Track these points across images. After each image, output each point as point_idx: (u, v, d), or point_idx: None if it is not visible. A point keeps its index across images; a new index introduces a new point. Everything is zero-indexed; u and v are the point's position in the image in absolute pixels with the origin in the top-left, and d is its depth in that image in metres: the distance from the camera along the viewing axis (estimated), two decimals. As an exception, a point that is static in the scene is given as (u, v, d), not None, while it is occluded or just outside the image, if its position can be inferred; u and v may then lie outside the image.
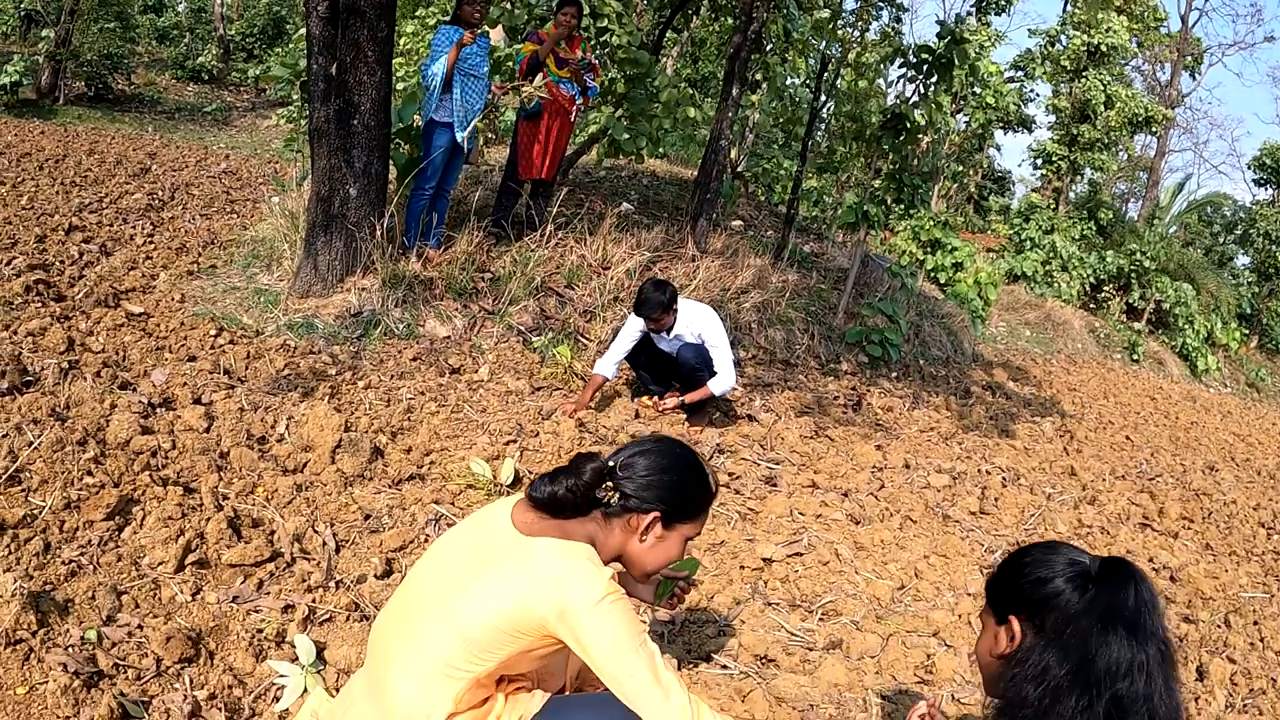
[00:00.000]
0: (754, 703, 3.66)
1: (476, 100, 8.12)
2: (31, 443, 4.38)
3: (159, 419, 5.10)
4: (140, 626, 3.46)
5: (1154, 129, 26.76)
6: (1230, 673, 4.73)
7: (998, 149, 36.96)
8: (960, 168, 28.40)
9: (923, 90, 10.68)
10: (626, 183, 13.76)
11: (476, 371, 7.09)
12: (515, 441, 5.90)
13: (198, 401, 5.48)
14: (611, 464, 2.58)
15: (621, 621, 2.38)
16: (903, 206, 11.42)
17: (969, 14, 21.70)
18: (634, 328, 6.83)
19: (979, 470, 7.69)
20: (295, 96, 11.62)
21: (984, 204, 34.17)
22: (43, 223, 8.64)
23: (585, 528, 2.55)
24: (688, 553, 2.79)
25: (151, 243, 8.85)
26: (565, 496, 2.51)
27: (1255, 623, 5.60)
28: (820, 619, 4.57)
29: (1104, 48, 24.77)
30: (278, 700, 3.28)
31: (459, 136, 8.03)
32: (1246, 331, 25.80)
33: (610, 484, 2.56)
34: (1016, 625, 2.16)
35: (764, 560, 5.03)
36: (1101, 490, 8.08)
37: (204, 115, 20.88)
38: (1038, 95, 27.84)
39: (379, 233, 7.39)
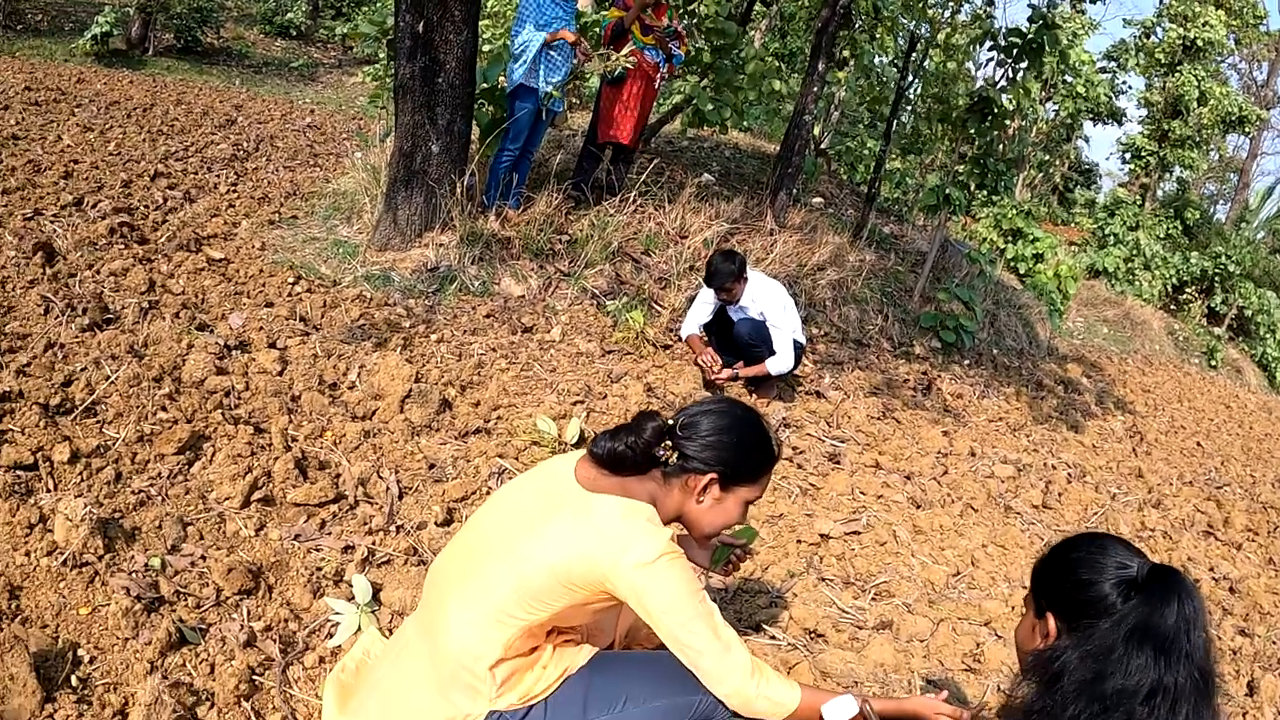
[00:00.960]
0: (799, 675, 3.68)
1: (562, 65, 8.13)
2: (109, 377, 4.50)
3: (234, 361, 5.20)
4: (203, 557, 3.55)
5: (1247, 129, 26.13)
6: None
7: (1086, 140, 36.16)
8: (1047, 157, 27.95)
9: (1011, 75, 10.53)
10: (708, 153, 13.70)
11: (548, 331, 7.12)
12: (582, 402, 5.93)
13: (273, 346, 5.57)
14: (672, 423, 2.59)
15: (680, 579, 2.41)
16: (986, 192, 11.28)
17: (1069, 1, 21.31)
18: (708, 297, 6.88)
19: (1045, 464, 7.61)
20: (381, 54, 11.68)
21: (1069, 196, 33.56)
22: (129, 169, 8.79)
23: (645, 486, 2.57)
24: (746, 521, 2.80)
25: (235, 191, 8.96)
26: (625, 453, 2.53)
27: None
28: (872, 598, 4.56)
29: (1200, 42, 24.16)
30: (331, 636, 3.35)
31: (543, 96, 8.05)
32: None
33: (670, 443, 2.56)
34: (1052, 624, 2.12)
35: (821, 536, 5.02)
36: (1167, 495, 7.96)
37: (290, 70, 21.02)
38: (1129, 87, 27.17)
39: (459, 190, 7.43)
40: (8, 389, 4.22)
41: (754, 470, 2.65)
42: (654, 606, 2.39)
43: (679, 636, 2.41)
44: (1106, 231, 23.60)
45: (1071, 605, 2.08)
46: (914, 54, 12.01)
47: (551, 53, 7.93)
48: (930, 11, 12.09)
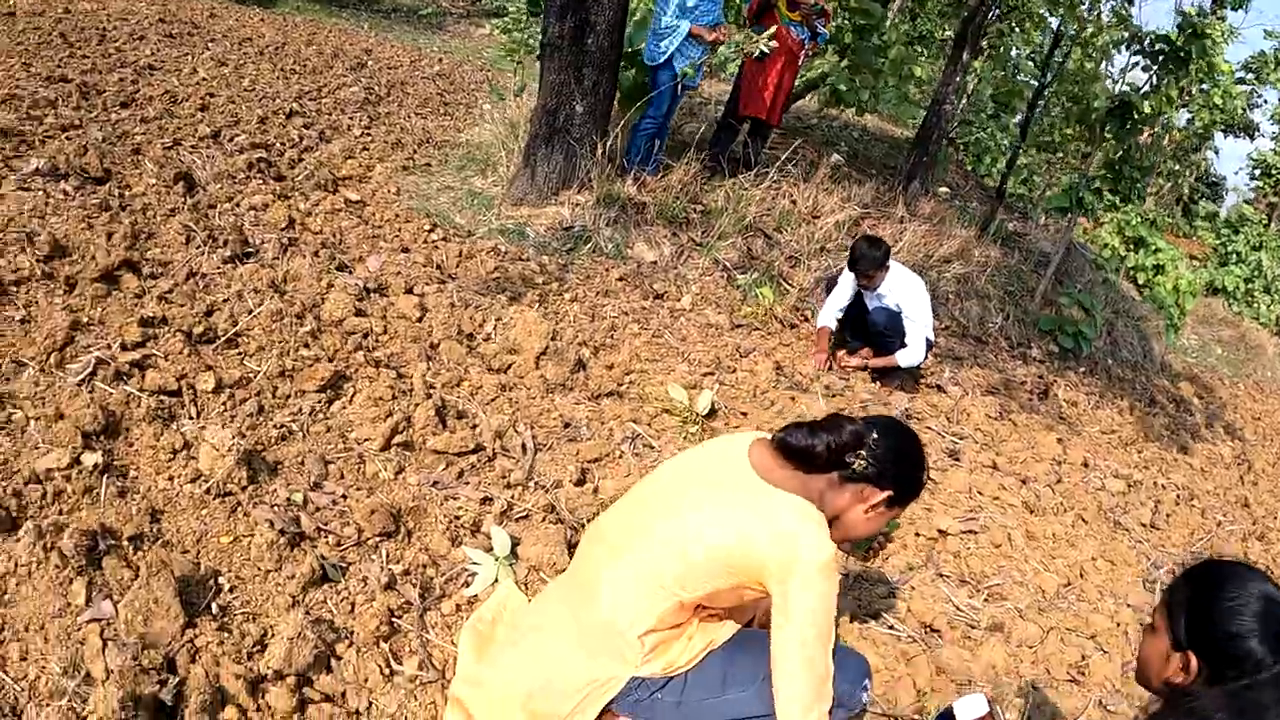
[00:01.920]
0: (917, 668, 3.69)
1: (701, 45, 8.10)
2: (251, 310, 4.56)
3: (372, 303, 5.26)
4: (344, 496, 3.60)
5: (1383, 156, 25.32)
6: None
7: (1216, 152, 35.35)
8: (1176, 166, 27.33)
9: (1156, 81, 10.29)
10: (837, 133, 13.60)
11: (679, 300, 7.12)
12: (713, 374, 5.93)
13: (410, 291, 5.61)
14: (870, 434, 2.59)
15: (829, 595, 2.43)
16: (1117, 198, 11.07)
17: (1209, 8, 20.75)
18: (848, 282, 6.83)
19: (1154, 483, 7.47)
20: (510, 6, 11.72)
21: (1193, 207, 32.84)
22: (264, 105, 8.91)
23: (818, 484, 2.58)
24: None
25: (368, 135, 9.05)
26: (820, 451, 2.53)
27: None
28: (986, 599, 4.53)
29: (1341, 60, 23.46)
30: (468, 586, 3.38)
31: (678, 70, 8.03)
32: None
33: (863, 452, 2.57)
34: (1195, 663, 2.08)
35: (940, 532, 4.99)
36: (1272, 529, 7.77)
37: (419, 18, 21.17)
38: (1265, 101, 26.47)
39: (600, 152, 7.44)
40: (151, 314, 4.28)
41: (914, 496, 2.71)
42: (795, 610, 2.39)
43: (794, 648, 2.41)
44: (1229, 249, 23.07)
45: (1217, 654, 2.05)
46: (1057, 50, 11.77)
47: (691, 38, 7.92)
48: (1077, 9, 11.82)
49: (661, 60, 7.92)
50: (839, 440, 2.54)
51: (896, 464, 2.59)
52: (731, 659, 2.65)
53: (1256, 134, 27.64)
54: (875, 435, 2.59)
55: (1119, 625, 4.68)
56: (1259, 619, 2.02)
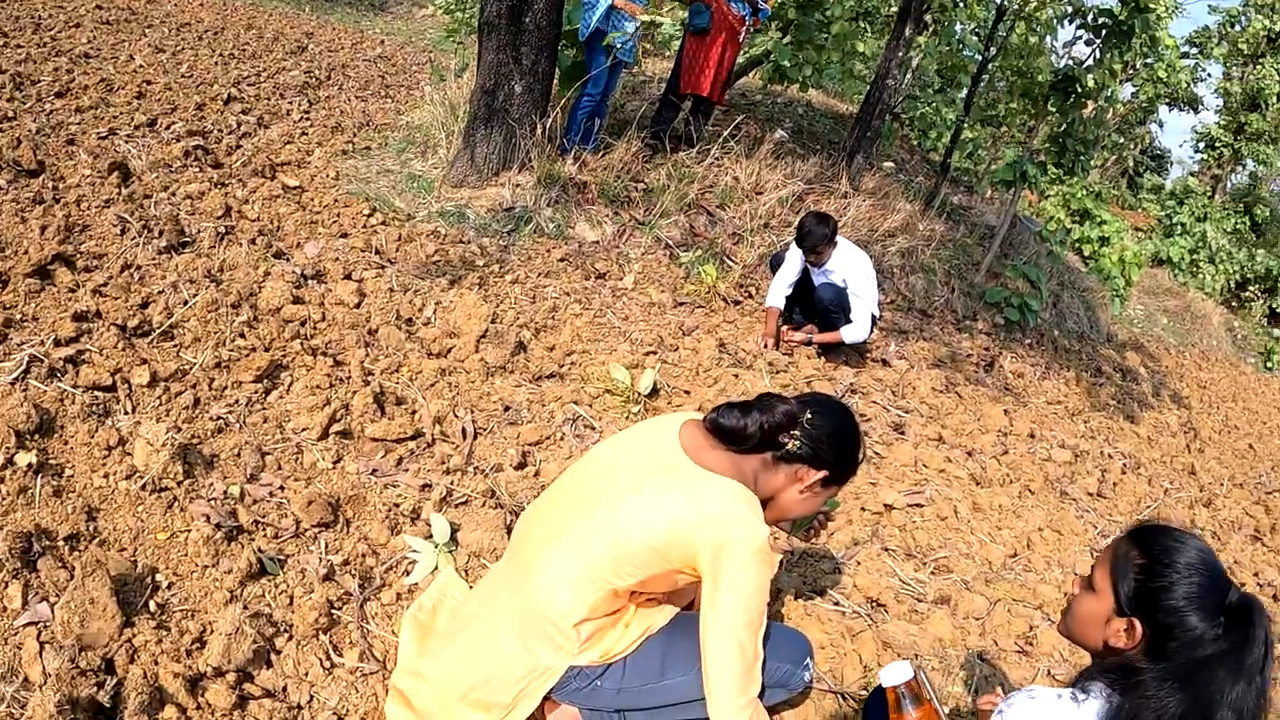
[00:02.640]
0: (863, 643, 3.68)
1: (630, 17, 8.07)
2: (187, 301, 4.51)
3: (310, 290, 5.20)
4: (281, 487, 3.56)
5: (1327, 129, 25.60)
6: None
7: (1160, 125, 35.69)
8: (1120, 139, 27.56)
9: (1099, 55, 10.36)
10: (782, 109, 13.61)
11: (621, 279, 7.11)
12: (655, 353, 5.93)
13: (348, 277, 5.56)
14: (804, 413, 2.58)
15: (763, 582, 2.42)
16: (1061, 171, 11.15)
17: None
18: (795, 258, 6.83)
19: (1101, 452, 7.54)
20: (454, -13, 11.65)
21: (1138, 180, 33.13)
22: (201, 91, 8.77)
23: (751, 464, 2.57)
24: None
25: (308, 119, 8.96)
26: (753, 431, 2.52)
27: None
28: (932, 572, 4.55)
29: (1285, 36, 23.73)
30: (408, 574, 3.35)
31: (614, 43, 8.00)
32: None
33: (796, 432, 2.56)
34: (1139, 630, 2.09)
35: (885, 506, 5.01)
36: (1218, 495, 7.89)
37: (362, 0, 21.04)
38: (1209, 75, 26.71)
39: (539, 131, 7.40)
40: (85, 308, 4.22)
41: (850, 475, 2.73)
42: (724, 596, 2.38)
43: (724, 637, 2.40)
44: (1174, 220, 23.33)
45: (1161, 625, 2.07)
46: (1000, 25, 11.82)
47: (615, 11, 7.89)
48: (1020, -18, 11.90)
49: (588, 34, 7.88)
50: (771, 420, 2.53)
51: (831, 443, 2.58)
52: (670, 644, 2.63)
53: (1200, 107, 27.99)
54: (809, 414, 2.58)
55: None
56: (1206, 592, 2.04)
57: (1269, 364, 20.25)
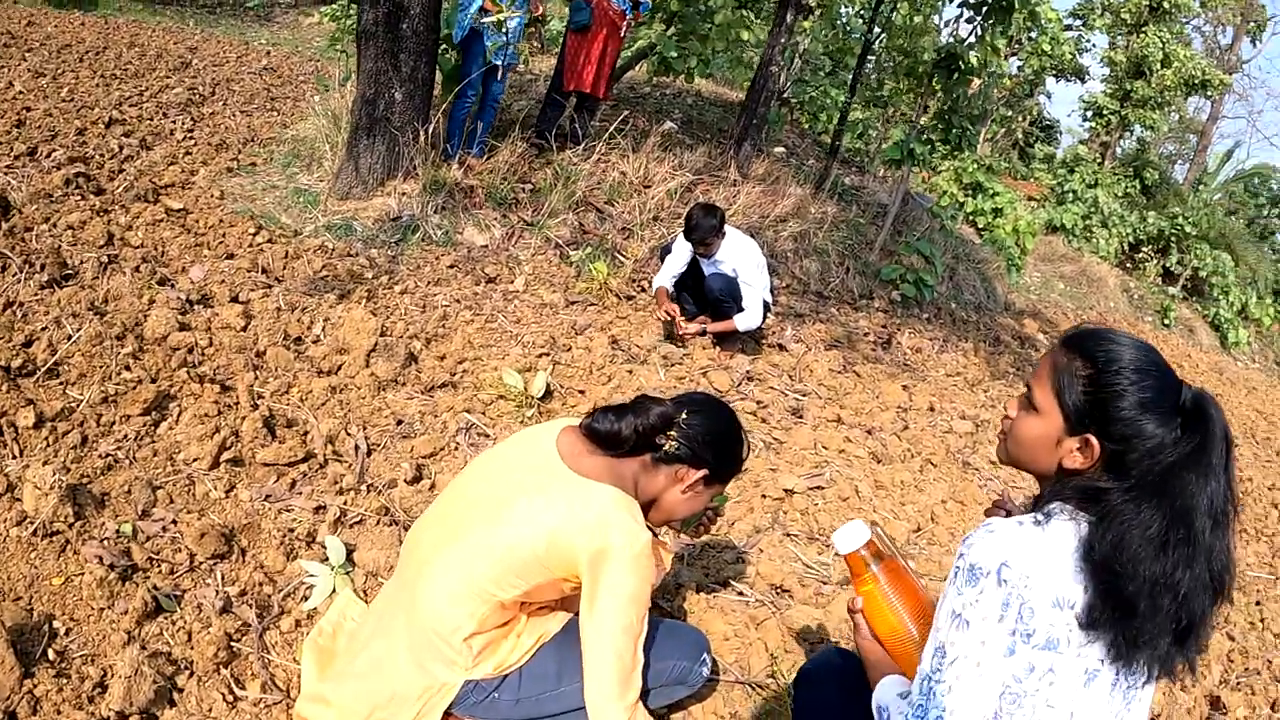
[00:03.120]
0: (767, 631, 3.72)
1: (514, 14, 8.05)
2: (70, 336, 4.43)
3: (196, 316, 5.14)
4: (175, 522, 3.51)
5: (1209, 93, 26.07)
6: (1228, 649, 4.74)
7: (1048, 96, 36.39)
8: (1009, 113, 27.98)
9: (979, 32, 10.52)
10: (671, 101, 13.64)
11: (512, 282, 7.11)
12: (548, 354, 5.94)
13: (235, 300, 5.51)
14: (680, 414, 2.61)
15: (641, 587, 2.44)
16: (949, 147, 11.31)
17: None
18: (683, 248, 6.88)
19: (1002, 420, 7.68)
20: (341, -5, 11.54)
21: (1029, 151, 33.63)
22: (83, 115, 8.59)
23: (630, 467, 2.60)
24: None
25: (191, 138, 8.82)
26: (628, 435, 2.55)
27: (1258, 603, 5.64)
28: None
29: (1166, 4, 24.12)
30: (307, 599, 3.33)
31: (494, 54, 8.00)
32: None
33: (673, 433, 2.59)
34: (1096, 446, 1.93)
35: (785, 491, 5.05)
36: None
37: (245, 11, 20.65)
38: (1094, 46, 27.28)
39: (423, 138, 7.38)
40: (-33, 352, 4.14)
41: (733, 473, 2.77)
42: (603, 602, 2.40)
43: (602, 642, 2.42)
44: (1065, 188, 23.71)
45: (1118, 438, 1.92)
46: (882, 6, 11.94)
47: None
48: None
49: (463, 36, 7.87)
50: (646, 423, 2.55)
51: (709, 442, 2.61)
52: (564, 650, 2.64)
53: (1087, 77, 28.40)
54: (685, 414, 2.60)
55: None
56: (1160, 395, 1.93)
57: (1165, 321, 20.69)
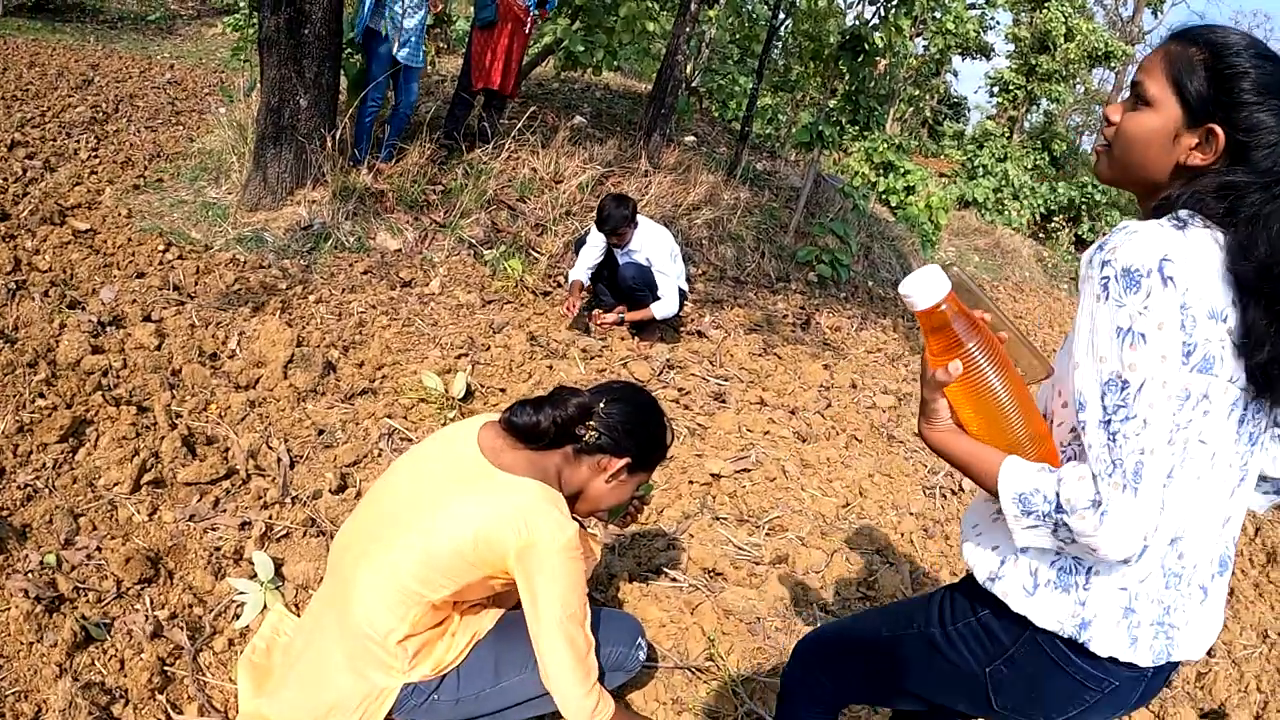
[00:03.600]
0: (703, 615, 3.75)
1: (413, 11, 8.01)
2: (-19, 365, 4.35)
3: (109, 338, 5.07)
4: (99, 549, 3.47)
5: (1113, 64, 26.67)
6: None
7: (954, 74, 36.75)
8: (916, 92, 28.31)
9: (883, 13, 10.63)
10: (580, 95, 13.63)
11: (428, 285, 7.10)
12: (467, 355, 5.95)
13: (148, 319, 5.44)
14: (598, 403, 2.62)
15: (575, 575, 2.45)
16: (858, 128, 11.42)
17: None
18: (597, 240, 6.92)
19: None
20: (241, 3, 11.40)
21: (938, 129, 34.09)
22: (-17, 139, 8.45)
23: (552, 459, 2.60)
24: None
25: (96, 157, 8.68)
26: (546, 427, 2.55)
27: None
28: (767, 534, 4.66)
29: (1069, -21, 24.64)
30: (238, 617, 3.31)
31: (396, 53, 7.97)
32: None
33: (592, 423, 2.60)
34: (1221, 138, 1.70)
35: (712, 476, 5.11)
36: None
37: (147, 24, 20.30)
38: (998, 23, 27.60)
39: (330, 145, 7.34)
40: None
41: (657, 459, 2.77)
42: (542, 595, 2.41)
43: (552, 633, 2.44)
44: (976, 163, 24.10)
45: (1244, 127, 1.69)
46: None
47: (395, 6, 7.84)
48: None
49: (370, 22, 7.83)
50: (565, 414, 2.56)
51: (629, 430, 2.62)
52: (500, 646, 2.66)
53: (992, 54, 28.84)
54: (603, 404, 2.62)
55: (904, 535, 4.90)
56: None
57: (1081, 287, 21.07)
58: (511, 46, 8.81)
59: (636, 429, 2.65)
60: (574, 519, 2.52)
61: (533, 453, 2.57)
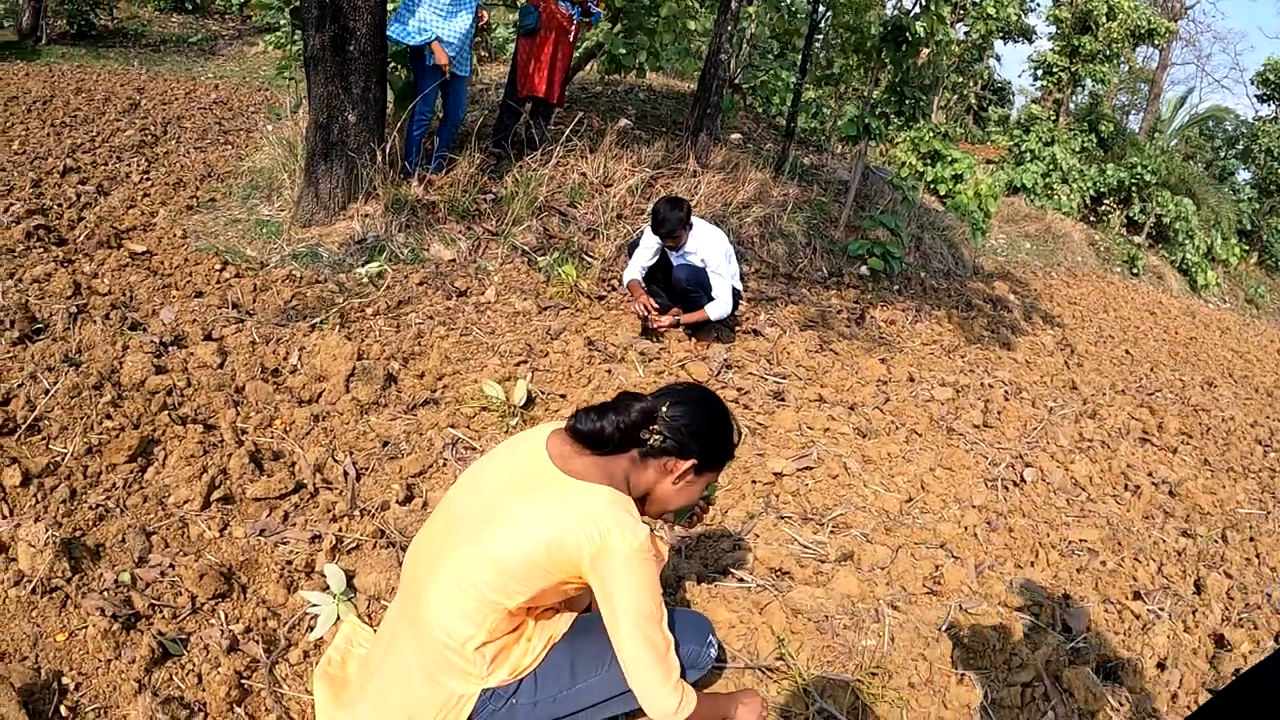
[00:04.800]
0: (771, 615, 3.74)
1: (463, 24, 8.05)
2: (48, 390, 4.38)
3: (172, 357, 5.12)
4: (172, 565, 3.51)
5: (1156, 41, 26.22)
6: (1227, 587, 4.81)
7: (997, 59, 36.42)
8: (960, 78, 28.09)
9: (924, 2, 10.57)
10: (623, 97, 13.66)
11: (483, 293, 7.14)
12: (526, 362, 5.96)
13: (209, 337, 5.50)
14: (661, 407, 2.62)
15: (649, 578, 2.47)
16: (903, 119, 11.36)
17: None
18: (650, 241, 6.90)
19: (981, 384, 7.74)
20: (283, 22, 11.49)
21: (983, 115, 33.82)
22: (37, 166, 8.53)
23: (620, 464, 2.61)
24: None
25: (148, 179, 8.80)
26: (611, 433, 2.56)
27: (1251, 539, 5.70)
28: (831, 531, 4.64)
29: (1108, -42, 24.32)
30: (312, 629, 3.34)
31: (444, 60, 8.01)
32: (1247, 248, 25.23)
33: (656, 427, 2.61)
34: None
35: (775, 475, 5.10)
36: (1102, 404, 8.13)
37: (189, 46, 20.55)
38: (1038, 5, 27.31)
39: (380, 158, 7.38)
40: (-55, 417, 4.11)
41: (725, 459, 2.76)
42: (618, 599, 2.43)
43: (632, 637, 2.45)
44: (1023, 148, 23.83)
45: None
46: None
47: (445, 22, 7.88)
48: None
49: (416, 44, 7.87)
50: (628, 419, 2.57)
51: (693, 431, 2.63)
52: (575, 648, 2.69)
53: (1034, 36, 28.56)
54: (666, 407, 2.62)
55: (967, 529, 4.86)
56: None
57: (1134, 270, 20.82)
58: (556, 55, 8.83)
59: (700, 430, 2.65)
60: (644, 522, 2.53)
61: (600, 458, 2.59)
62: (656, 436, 2.60)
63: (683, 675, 2.60)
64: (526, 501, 2.50)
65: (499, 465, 2.68)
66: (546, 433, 2.67)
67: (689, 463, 2.64)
